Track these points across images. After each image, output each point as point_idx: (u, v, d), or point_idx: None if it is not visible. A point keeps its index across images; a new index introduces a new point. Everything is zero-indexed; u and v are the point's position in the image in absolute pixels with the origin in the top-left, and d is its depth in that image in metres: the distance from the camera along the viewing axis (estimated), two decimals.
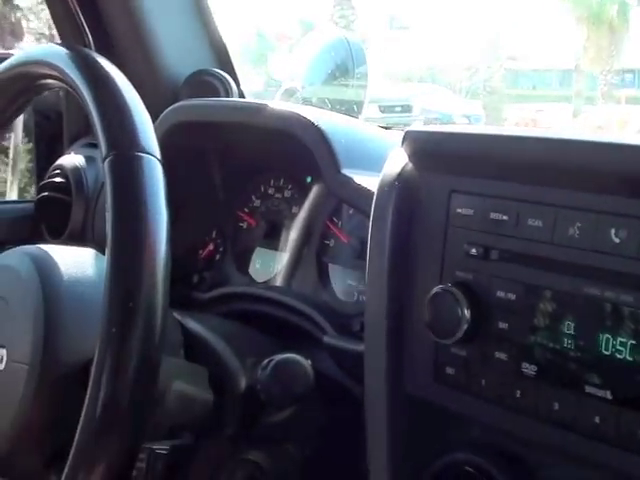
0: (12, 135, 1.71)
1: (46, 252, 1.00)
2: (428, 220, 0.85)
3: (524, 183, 0.77)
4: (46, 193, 1.42)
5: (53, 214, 1.43)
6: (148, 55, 1.47)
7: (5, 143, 1.73)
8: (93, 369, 0.79)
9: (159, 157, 0.82)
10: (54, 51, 0.97)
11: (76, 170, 1.42)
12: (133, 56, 1.48)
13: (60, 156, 1.51)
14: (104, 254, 1.04)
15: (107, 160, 0.81)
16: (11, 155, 1.72)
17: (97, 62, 0.92)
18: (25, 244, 1.47)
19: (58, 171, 1.44)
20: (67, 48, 0.96)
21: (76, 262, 0.99)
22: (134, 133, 0.82)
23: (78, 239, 1.39)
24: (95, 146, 1.47)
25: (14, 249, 1.05)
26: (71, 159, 1.44)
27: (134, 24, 1.47)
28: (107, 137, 0.82)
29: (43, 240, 1.45)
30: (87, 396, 0.79)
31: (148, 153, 0.81)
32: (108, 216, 0.79)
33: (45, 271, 0.96)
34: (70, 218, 1.41)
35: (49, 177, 1.45)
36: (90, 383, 0.78)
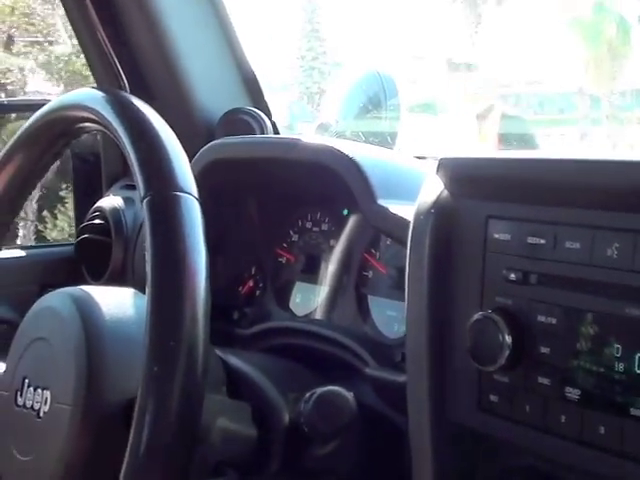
0: None
1: (87, 293, 1.01)
2: (466, 246, 0.84)
3: (560, 206, 0.76)
4: (86, 235, 1.44)
5: (93, 256, 1.44)
6: (183, 95, 1.49)
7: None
8: (136, 409, 0.79)
9: (197, 196, 0.82)
10: (90, 94, 0.98)
11: (115, 212, 1.43)
12: (168, 97, 1.50)
13: (99, 198, 1.52)
14: (144, 294, 1.05)
15: (145, 200, 0.81)
16: None
17: (133, 104, 0.93)
18: (66, 287, 1.50)
19: (97, 213, 1.45)
20: (103, 91, 0.98)
21: (117, 302, 1.00)
22: (171, 173, 0.83)
23: (119, 280, 1.40)
24: (133, 187, 1.49)
25: (56, 291, 1.06)
26: (110, 201, 1.46)
27: (168, 65, 1.49)
28: (145, 177, 0.83)
29: (84, 282, 1.46)
30: (130, 436, 0.79)
31: (186, 192, 0.82)
32: (147, 256, 0.80)
33: (87, 312, 0.97)
34: (110, 259, 1.42)
35: (89, 219, 1.46)
36: (133, 423, 0.79)
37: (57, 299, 1.03)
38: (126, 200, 1.46)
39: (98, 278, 1.44)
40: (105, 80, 1.55)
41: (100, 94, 0.97)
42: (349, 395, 0.97)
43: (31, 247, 1.53)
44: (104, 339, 0.95)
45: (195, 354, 0.79)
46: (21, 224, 1.83)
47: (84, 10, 1.49)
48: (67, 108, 1.00)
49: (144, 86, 1.52)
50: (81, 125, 1.01)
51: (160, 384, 0.78)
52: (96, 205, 1.47)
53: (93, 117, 0.96)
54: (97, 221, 1.45)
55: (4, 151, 1.06)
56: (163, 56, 1.49)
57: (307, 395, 0.97)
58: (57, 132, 1.03)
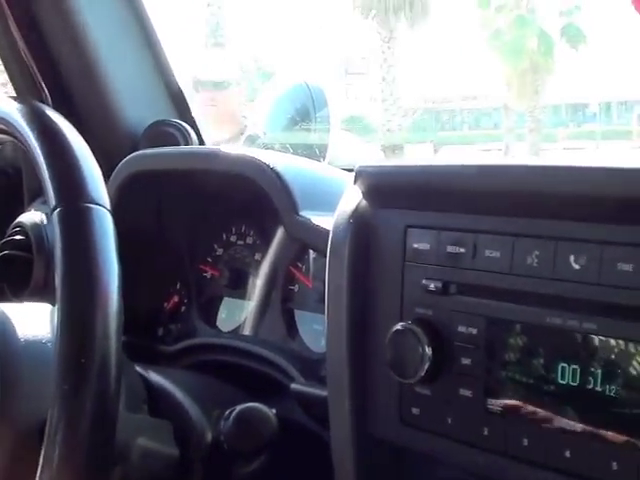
0: None
1: (2, 311, 0.98)
2: (385, 257, 0.83)
3: (479, 213, 0.75)
4: (7, 251, 1.40)
5: (15, 272, 1.40)
6: (106, 108, 1.46)
7: None
8: (47, 428, 0.76)
9: (108, 207, 0.80)
10: (3, 104, 0.96)
11: (36, 227, 1.40)
12: (91, 109, 1.47)
13: (20, 213, 1.49)
14: (53, 307, 1.02)
15: (55, 212, 0.79)
16: None
17: (45, 114, 0.91)
18: None
19: (18, 229, 1.41)
20: (15, 100, 0.95)
21: (32, 320, 0.97)
22: (82, 184, 0.81)
23: (40, 296, 1.36)
24: None
25: None
26: (31, 216, 1.42)
27: (91, 77, 1.46)
28: (55, 189, 0.80)
29: (5, 298, 1.43)
30: (41, 456, 0.76)
31: (97, 204, 0.80)
32: (57, 269, 0.77)
33: (3, 331, 0.94)
34: (32, 276, 1.39)
35: (9, 235, 1.42)
36: (44, 443, 0.76)
37: None
38: (47, 215, 1.42)
39: (20, 295, 1.40)
40: (26, 91, 1.52)
41: (13, 103, 0.95)
42: (270, 412, 0.95)
43: None
44: (18, 358, 0.92)
45: (107, 372, 0.77)
46: None
47: (3, 19, 1.46)
48: None
49: (66, 97, 1.49)
50: None
51: (70, 402, 0.76)
52: (17, 220, 1.44)
53: (5, 128, 0.94)
54: (18, 237, 1.41)
55: None
56: (85, 67, 1.45)
57: (227, 412, 0.95)
58: None
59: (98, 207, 0.79)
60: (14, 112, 0.94)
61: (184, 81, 1.56)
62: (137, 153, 1.27)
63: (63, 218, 0.79)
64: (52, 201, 0.80)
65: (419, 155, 12.94)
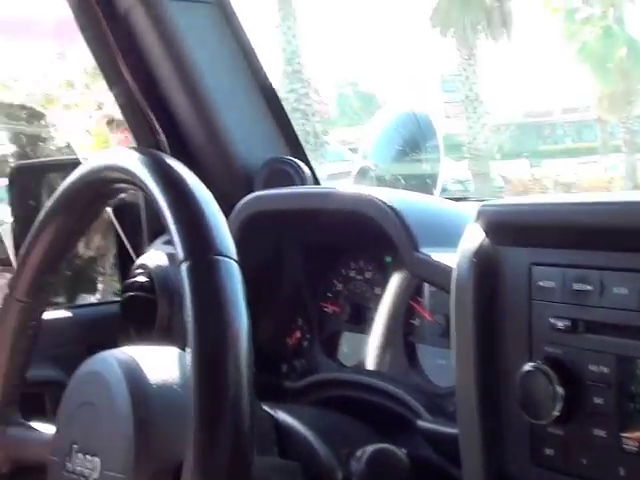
0: None
1: (131, 355, 1.01)
2: (511, 295, 0.83)
3: (605, 250, 0.74)
4: (131, 293, 1.44)
5: (139, 313, 1.43)
6: (221, 149, 1.49)
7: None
8: (183, 472, 0.78)
9: (235, 258, 0.82)
10: (125, 155, 0.98)
11: (159, 268, 1.42)
12: (207, 151, 1.50)
13: (141, 254, 1.52)
14: (181, 350, 1.04)
15: (184, 265, 0.81)
16: None
17: (168, 164, 0.93)
18: (113, 344, 1.49)
19: (141, 270, 1.45)
20: (137, 151, 0.98)
21: (162, 364, 0.99)
22: (209, 236, 0.82)
23: (165, 337, 1.40)
24: None
25: (100, 354, 1.06)
26: (153, 257, 1.45)
27: (205, 119, 1.49)
28: (183, 242, 0.82)
29: (131, 340, 1.46)
30: None
31: (224, 255, 0.81)
32: (188, 322, 0.79)
33: (132, 375, 0.96)
34: (156, 317, 1.42)
35: (133, 276, 1.46)
36: None
37: (102, 363, 1.03)
38: (170, 256, 1.45)
39: (145, 336, 1.44)
40: (142, 136, 1.56)
41: (135, 154, 0.97)
42: (401, 453, 0.95)
43: (77, 306, 1.53)
44: (151, 403, 0.95)
45: (242, 414, 0.78)
46: (100, 279, 1.84)
47: (118, 68, 1.50)
48: (103, 169, 1.00)
49: (181, 140, 1.52)
50: (117, 186, 1.01)
51: (207, 450, 0.77)
52: (139, 262, 1.47)
53: (129, 178, 0.96)
54: (141, 278, 1.44)
55: (44, 213, 1.07)
56: (199, 110, 1.49)
57: (359, 453, 0.95)
58: (94, 193, 1.04)
59: (226, 259, 0.81)
60: (136, 163, 0.96)
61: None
62: (256, 194, 1.29)
63: (192, 271, 0.80)
64: (180, 254, 0.81)
65: (513, 171, 12.75)
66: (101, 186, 1.02)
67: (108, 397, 0.97)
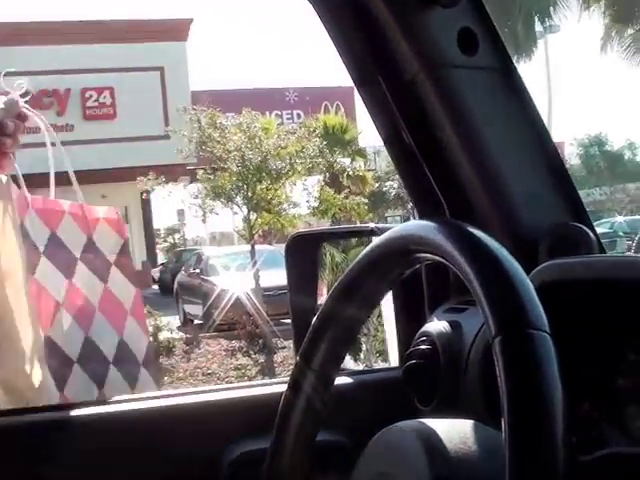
0: None
1: (429, 427, 0.99)
2: None
3: None
4: (414, 360, 1.43)
5: (422, 381, 1.43)
6: (504, 214, 1.46)
7: None
8: None
9: (548, 330, 0.79)
10: (426, 225, 0.99)
11: (443, 336, 1.42)
12: (489, 216, 1.48)
13: (420, 322, 1.52)
14: (476, 421, 1.01)
15: (497, 340, 0.79)
16: None
17: (474, 235, 0.92)
18: (394, 411, 1.49)
19: (424, 338, 1.44)
20: (438, 222, 0.98)
21: (460, 437, 0.97)
22: (522, 309, 0.80)
23: (448, 406, 1.38)
24: (458, 310, 1.47)
25: (397, 425, 1.05)
26: (436, 325, 1.45)
27: (488, 185, 1.47)
28: (495, 316, 0.81)
29: (413, 407, 1.45)
30: None
31: (538, 329, 0.79)
32: (503, 397, 0.77)
33: (431, 448, 0.95)
34: (438, 386, 1.40)
35: (415, 345, 1.45)
36: None
37: (398, 434, 1.02)
38: (452, 324, 1.44)
39: (427, 404, 1.43)
40: (421, 201, 1.57)
41: (436, 225, 0.98)
42: None
43: (358, 372, 1.54)
44: (450, 475, 0.93)
45: None
46: (363, 339, 1.88)
47: (399, 133, 1.52)
48: (405, 238, 1.01)
49: (462, 205, 1.51)
50: (417, 256, 1.01)
51: None
52: (422, 330, 1.47)
53: (432, 249, 0.96)
54: (424, 346, 1.44)
55: (345, 279, 1.09)
56: (482, 173, 1.48)
57: None
58: (394, 261, 1.05)
59: (540, 332, 0.79)
60: (439, 234, 0.96)
61: None
62: (551, 262, 1.26)
63: (506, 346, 0.79)
64: (492, 328, 0.80)
65: None
66: (401, 255, 1.03)
67: (406, 470, 0.96)
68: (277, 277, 19.21)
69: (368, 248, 1.06)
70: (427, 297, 1.57)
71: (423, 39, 1.44)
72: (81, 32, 32.32)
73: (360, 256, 1.08)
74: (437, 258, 0.95)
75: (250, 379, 15.19)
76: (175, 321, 18.02)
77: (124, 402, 1.53)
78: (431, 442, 0.95)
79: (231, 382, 15.02)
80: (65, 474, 1.44)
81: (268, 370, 15.48)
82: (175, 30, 33.85)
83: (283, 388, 1.51)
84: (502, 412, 0.77)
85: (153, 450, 1.47)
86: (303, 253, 1.77)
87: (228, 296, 17.54)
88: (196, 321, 19.73)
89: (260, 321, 16.35)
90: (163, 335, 15.91)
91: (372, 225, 1.73)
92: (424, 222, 0.99)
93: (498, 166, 1.47)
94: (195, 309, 19.89)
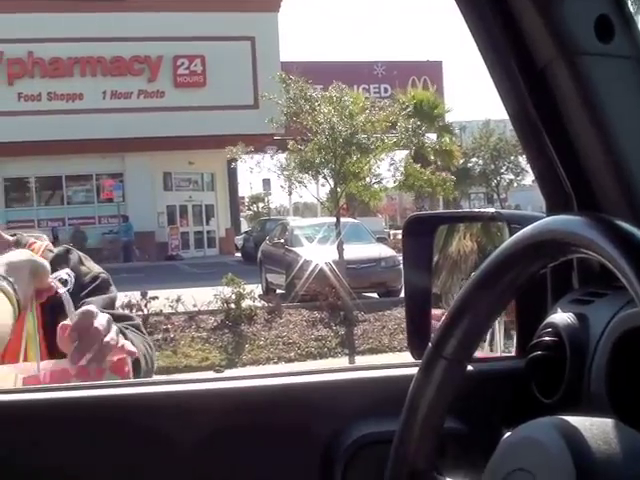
0: None
1: (571, 424, 0.98)
2: None
3: None
4: (538, 352, 1.41)
5: (545, 374, 1.41)
6: (636, 207, 1.43)
7: None
8: None
9: None
10: (575, 220, 0.98)
11: (569, 328, 1.39)
12: (618, 208, 1.45)
13: (542, 314, 1.50)
14: (602, 417, 1.00)
15: None
16: None
17: (621, 226, 0.92)
18: (514, 402, 1.48)
19: (549, 329, 1.42)
20: (585, 216, 0.97)
21: (603, 436, 0.95)
22: None
23: (572, 400, 1.36)
24: (583, 302, 1.45)
25: (535, 421, 1.04)
26: (562, 317, 1.42)
27: (618, 176, 1.44)
28: None
29: (533, 400, 1.44)
30: None
31: None
32: None
33: (576, 446, 0.94)
34: (563, 378, 1.38)
35: (539, 336, 1.44)
36: None
37: (539, 429, 1.01)
38: (578, 316, 1.41)
39: (549, 397, 1.41)
40: (551, 192, 1.55)
41: (584, 220, 0.97)
42: None
43: (477, 360, 1.53)
44: (595, 476, 0.91)
45: None
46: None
47: (532, 122, 1.50)
48: (553, 232, 1.00)
49: (590, 197, 1.49)
50: (564, 249, 1.01)
51: None
52: (547, 321, 1.45)
53: (581, 243, 0.95)
54: (548, 338, 1.42)
55: (484, 269, 1.08)
56: (612, 165, 1.44)
57: None
58: (540, 254, 1.04)
59: None
60: (585, 227, 0.95)
61: None
62: None
63: None
64: None
65: None
66: (550, 248, 1.02)
67: (549, 467, 0.95)
68: (360, 250, 19.31)
69: (513, 238, 1.05)
70: (550, 287, 1.55)
71: (560, 25, 1.41)
72: (175, 0, 32.65)
73: (504, 245, 1.07)
74: (587, 252, 0.94)
75: (330, 350, 15.28)
76: (257, 289, 18.19)
77: (237, 379, 1.54)
78: (576, 440, 0.94)
79: (311, 352, 15.14)
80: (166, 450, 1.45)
81: (348, 342, 15.55)
82: (267, 1, 33.94)
83: (404, 371, 1.52)
84: None
85: (264, 428, 1.47)
86: (419, 235, 1.76)
87: (311, 267, 17.65)
88: (278, 290, 19.89)
89: (342, 293, 16.41)
90: (245, 303, 16.09)
91: (492, 210, 1.70)
92: (571, 217, 0.99)
93: (630, 158, 1.44)
94: (278, 278, 20.06)
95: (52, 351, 1.86)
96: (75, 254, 2.16)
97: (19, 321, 1.78)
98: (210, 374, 9.29)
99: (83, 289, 2.07)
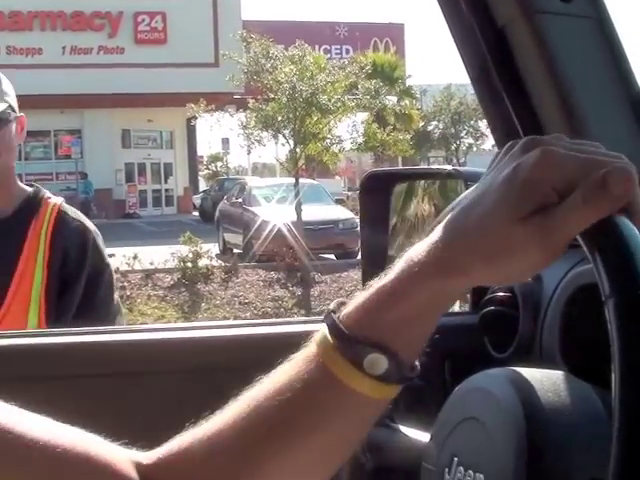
0: None
1: (522, 375, 1.00)
2: None
3: None
4: (492, 307, 1.43)
5: (499, 328, 1.43)
6: None
7: None
8: None
9: None
10: None
11: (523, 285, 1.41)
12: None
13: None
14: (556, 372, 1.01)
15: (610, 301, 0.79)
16: None
17: None
18: (467, 355, 1.49)
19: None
20: None
21: (555, 388, 0.97)
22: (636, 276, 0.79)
23: (524, 355, 1.38)
24: None
25: (485, 372, 1.06)
26: None
27: (576, 133, 1.45)
28: (608, 278, 0.80)
29: (486, 354, 1.46)
30: None
31: None
32: (614, 356, 0.76)
33: (526, 397, 0.95)
34: (516, 333, 1.40)
35: (493, 291, 1.45)
36: None
37: (491, 380, 1.02)
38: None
39: (502, 351, 1.43)
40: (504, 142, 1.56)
41: None
42: None
43: None
44: (547, 431, 0.93)
45: None
46: None
47: (490, 79, 1.51)
48: None
49: None
50: None
51: None
52: None
53: None
54: (502, 293, 1.43)
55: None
56: (567, 122, 1.46)
57: None
58: None
59: None
60: None
61: None
62: None
63: (617, 309, 0.78)
64: (606, 289, 0.79)
65: None
66: None
67: (499, 416, 0.97)
68: (318, 211, 19.32)
69: None
70: None
71: None
72: None
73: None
74: None
75: (286, 311, 15.32)
76: (215, 249, 18.15)
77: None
78: (526, 391, 0.95)
79: (267, 312, 15.17)
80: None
81: (305, 303, 15.60)
82: None
83: None
84: (613, 369, 0.77)
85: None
86: (377, 192, 1.76)
87: (269, 227, 17.63)
88: (236, 250, 19.85)
89: (300, 254, 16.43)
90: (202, 262, 16.05)
91: (450, 167, 1.71)
92: None
93: (587, 115, 1.45)
94: (235, 238, 20.01)
95: None
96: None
97: None
98: None
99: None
